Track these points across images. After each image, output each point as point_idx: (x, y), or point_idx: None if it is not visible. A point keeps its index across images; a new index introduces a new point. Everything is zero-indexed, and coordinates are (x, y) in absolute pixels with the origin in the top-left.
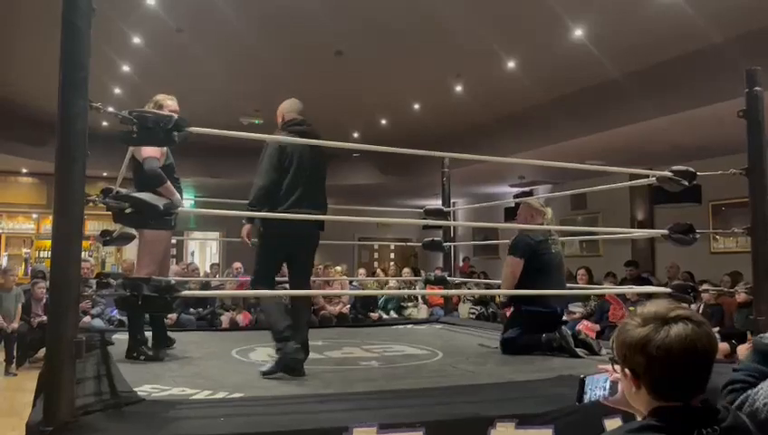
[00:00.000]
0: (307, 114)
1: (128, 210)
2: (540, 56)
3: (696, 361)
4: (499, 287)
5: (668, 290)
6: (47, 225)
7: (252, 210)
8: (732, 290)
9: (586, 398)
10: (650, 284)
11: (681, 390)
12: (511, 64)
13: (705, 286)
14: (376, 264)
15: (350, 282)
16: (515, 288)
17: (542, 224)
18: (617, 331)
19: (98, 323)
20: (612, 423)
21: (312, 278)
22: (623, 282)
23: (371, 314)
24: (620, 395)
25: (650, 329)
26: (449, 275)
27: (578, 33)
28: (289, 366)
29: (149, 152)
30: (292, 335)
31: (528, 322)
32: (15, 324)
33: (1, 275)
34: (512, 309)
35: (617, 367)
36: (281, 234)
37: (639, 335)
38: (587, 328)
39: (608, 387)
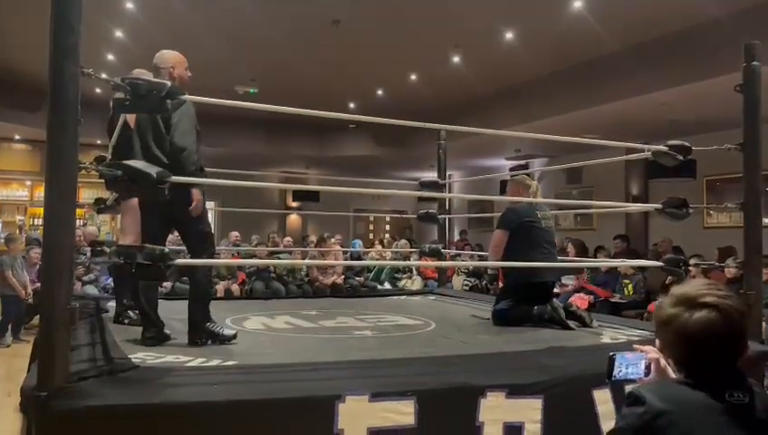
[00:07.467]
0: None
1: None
2: (539, 28)
3: (715, 346)
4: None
5: (660, 264)
6: (41, 192)
7: (195, 174)
8: (721, 265)
9: (616, 375)
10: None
11: (703, 368)
12: (509, 36)
13: (694, 260)
14: (371, 235)
15: (345, 252)
16: (505, 261)
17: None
18: (657, 305)
19: (92, 290)
20: (602, 394)
21: (308, 249)
22: (616, 255)
23: (357, 277)
24: (654, 376)
25: (677, 311)
26: (444, 248)
27: (577, 4)
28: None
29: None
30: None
31: (520, 294)
32: (30, 291)
33: (7, 242)
34: (503, 281)
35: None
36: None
37: (667, 315)
38: (579, 300)
39: (643, 367)
